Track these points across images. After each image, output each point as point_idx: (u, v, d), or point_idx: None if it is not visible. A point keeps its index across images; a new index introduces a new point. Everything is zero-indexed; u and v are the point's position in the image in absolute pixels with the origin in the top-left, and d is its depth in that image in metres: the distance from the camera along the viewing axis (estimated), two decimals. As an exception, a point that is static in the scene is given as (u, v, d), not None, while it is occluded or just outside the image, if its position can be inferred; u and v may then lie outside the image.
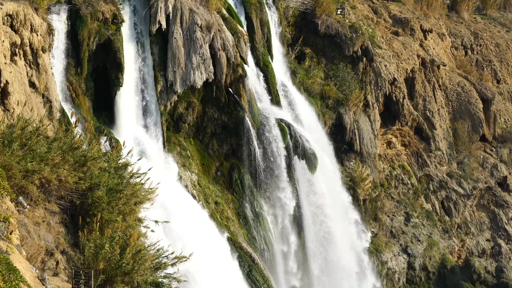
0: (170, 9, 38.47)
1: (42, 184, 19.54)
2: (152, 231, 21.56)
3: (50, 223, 19.58)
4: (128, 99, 37.20)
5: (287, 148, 42.23)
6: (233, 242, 38.25)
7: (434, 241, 53.53)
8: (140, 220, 21.66)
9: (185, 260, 20.12)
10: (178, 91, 38.74)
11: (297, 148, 42.86)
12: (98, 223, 18.98)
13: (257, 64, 44.40)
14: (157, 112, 38.36)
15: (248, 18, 44.74)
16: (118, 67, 36.21)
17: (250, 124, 40.87)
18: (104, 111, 36.65)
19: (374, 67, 52.52)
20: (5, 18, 28.61)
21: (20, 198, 18.25)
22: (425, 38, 60.91)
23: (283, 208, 42.75)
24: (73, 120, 26.51)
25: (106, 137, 32.72)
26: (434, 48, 60.98)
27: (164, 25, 38.20)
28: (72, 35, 34.87)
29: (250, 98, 41.53)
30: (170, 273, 19.83)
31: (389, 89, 53.68)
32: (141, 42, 38.29)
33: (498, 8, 75.60)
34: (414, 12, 62.77)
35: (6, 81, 26.71)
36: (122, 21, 36.77)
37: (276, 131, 42.08)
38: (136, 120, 37.70)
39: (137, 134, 37.00)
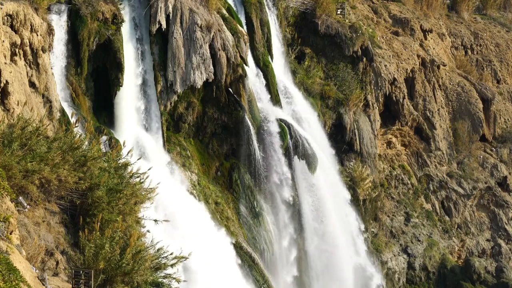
0: (170, 9, 38.48)
1: (42, 184, 19.53)
2: (148, 231, 21.57)
3: (50, 223, 19.58)
4: (128, 99, 37.21)
5: (287, 148, 42.23)
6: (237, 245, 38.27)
7: (434, 241, 53.54)
8: (139, 221, 21.66)
9: (184, 260, 20.13)
10: (178, 91, 38.75)
11: (297, 148, 42.85)
12: (98, 223, 18.98)
13: (257, 64, 44.40)
14: (157, 112, 38.37)
15: (248, 18, 44.74)
16: (118, 67, 36.21)
17: (250, 124, 40.87)
18: (104, 111, 36.65)
19: (374, 67, 52.52)
20: (5, 18, 28.61)
21: (20, 198, 18.25)
22: (425, 38, 60.91)
23: (283, 208, 42.75)
24: (73, 120, 26.51)
25: (106, 137, 32.73)
26: (434, 48, 60.98)
27: (164, 25, 38.21)
28: (72, 35, 34.87)
29: (250, 98, 41.54)
30: (169, 273, 19.84)
31: (389, 89, 53.68)
32: (141, 42, 38.30)
33: (498, 8, 75.58)
34: (414, 12, 62.77)
35: (6, 81, 26.72)
36: (122, 21, 36.77)
37: (276, 131, 42.08)
38: (136, 120, 37.72)
39: (137, 134, 37.02)
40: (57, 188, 19.96)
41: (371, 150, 50.65)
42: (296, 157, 42.82)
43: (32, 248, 17.51)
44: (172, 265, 19.94)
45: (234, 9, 44.13)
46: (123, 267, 18.12)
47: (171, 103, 38.92)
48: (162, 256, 19.85)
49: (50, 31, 32.60)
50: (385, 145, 55.24)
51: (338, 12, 52.74)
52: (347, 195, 47.52)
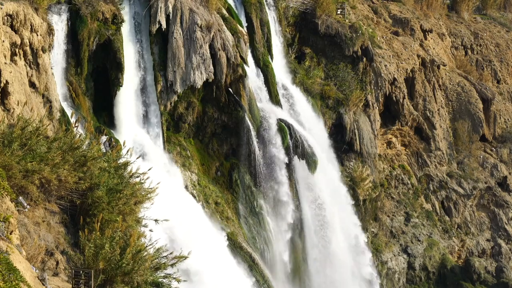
0: (170, 9, 38.48)
1: (42, 184, 19.55)
2: (150, 230, 21.57)
3: (50, 223, 19.59)
4: (128, 99, 37.21)
5: (287, 148, 42.22)
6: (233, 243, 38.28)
7: (434, 241, 53.53)
8: (139, 221, 21.67)
9: (184, 259, 20.13)
10: (178, 91, 38.75)
11: (297, 148, 42.85)
12: (98, 223, 18.98)
13: (257, 64, 44.39)
14: (157, 112, 38.37)
15: (248, 18, 44.73)
16: (118, 67, 36.22)
17: (250, 124, 40.87)
18: (104, 111, 36.66)
19: (374, 67, 52.51)
20: (5, 18, 28.61)
21: (20, 198, 18.26)
22: (425, 38, 60.89)
23: (283, 208, 42.73)
24: (73, 120, 26.53)
25: (106, 137, 32.73)
26: (434, 48, 60.97)
27: (164, 25, 38.21)
28: (72, 35, 34.87)
29: (250, 98, 41.54)
30: (169, 273, 19.84)
31: (389, 89, 53.67)
32: (141, 42, 38.30)
33: (498, 8, 75.58)
34: (414, 12, 62.75)
35: (6, 81, 26.72)
36: (122, 21, 36.77)
37: (276, 131, 42.08)
38: (136, 120, 37.72)
39: (137, 134, 37.02)
40: (57, 188, 19.98)
41: (371, 150, 50.65)
42: (296, 157, 42.82)
43: (32, 248, 17.52)
44: (172, 265, 19.95)
45: (234, 9, 44.13)
46: (123, 267, 18.13)
47: (171, 103, 38.92)
48: (162, 256, 19.86)
49: (50, 31, 32.59)
50: (385, 145, 55.25)
51: (338, 12, 52.71)
52: (346, 196, 47.54)
